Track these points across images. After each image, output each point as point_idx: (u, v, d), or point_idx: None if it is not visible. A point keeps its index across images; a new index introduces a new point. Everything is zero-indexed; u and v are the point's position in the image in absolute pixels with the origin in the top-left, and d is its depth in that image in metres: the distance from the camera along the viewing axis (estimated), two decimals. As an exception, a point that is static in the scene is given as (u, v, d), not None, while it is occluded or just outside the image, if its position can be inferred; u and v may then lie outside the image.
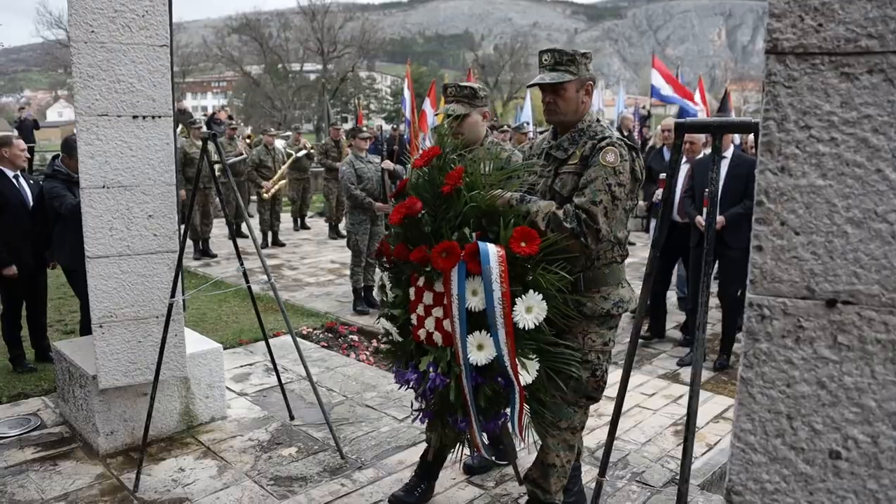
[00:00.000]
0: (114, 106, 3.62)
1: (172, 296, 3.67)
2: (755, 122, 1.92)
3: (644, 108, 18.17)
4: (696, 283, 5.53)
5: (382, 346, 2.94)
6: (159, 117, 3.75)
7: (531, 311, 2.39)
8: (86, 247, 3.61)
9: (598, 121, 2.83)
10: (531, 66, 66.53)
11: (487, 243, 2.40)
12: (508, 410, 2.54)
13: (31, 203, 5.37)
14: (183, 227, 4.02)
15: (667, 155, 7.02)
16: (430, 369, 2.51)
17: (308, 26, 51.24)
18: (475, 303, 2.40)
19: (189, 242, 9.44)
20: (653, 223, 7.21)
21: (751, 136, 9.75)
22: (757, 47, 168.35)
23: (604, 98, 20.52)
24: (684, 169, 5.91)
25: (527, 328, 2.38)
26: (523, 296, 2.40)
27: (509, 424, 2.58)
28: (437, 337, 2.54)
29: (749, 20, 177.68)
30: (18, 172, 5.40)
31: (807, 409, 1.16)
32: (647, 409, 4.57)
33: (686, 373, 5.26)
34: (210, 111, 25.61)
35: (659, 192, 6.07)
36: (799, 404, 1.16)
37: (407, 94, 11.17)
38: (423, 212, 2.57)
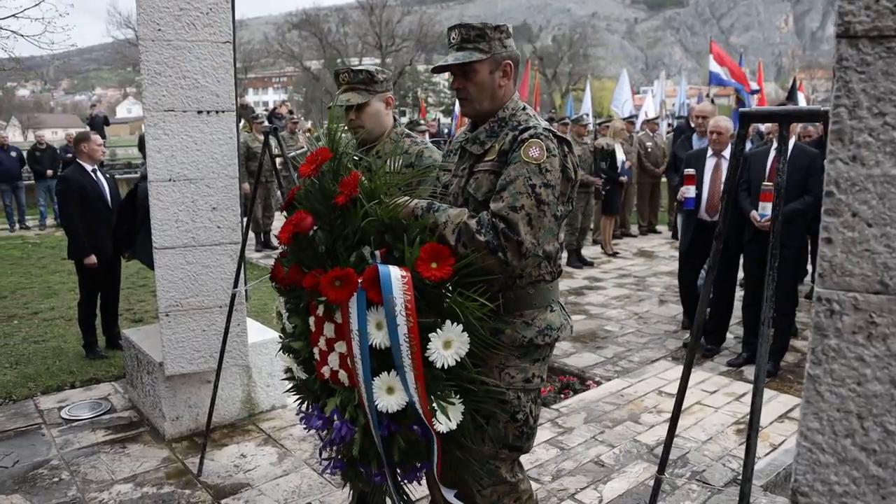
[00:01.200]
0: (179, 101, 3.73)
1: (235, 286, 3.76)
2: (824, 110, 1.85)
3: (708, 96, 17.72)
4: (754, 280, 5.29)
5: (285, 382, 2.44)
6: (223, 112, 3.83)
7: (450, 345, 1.96)
8: (153, 238, 3.73)
9: (524, 108, 2.32)
10: (590, 57, 65.72)
11: (389, 266, 1.97)
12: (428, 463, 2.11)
13: (109, 196, 5.61)
14: (245, 219, 4.11)
15: (696, 142, 6.75)
16: (335, 416, 2.06)
17: (366, 21, 51.70)
18: (380, 338, 1.96)
19: (251, 234, 9.65)
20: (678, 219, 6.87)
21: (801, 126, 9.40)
22: (827, 33, 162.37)
23: (665, 89, 20.10)
24: (710, 163, 5.58)
25: (446, 366, 1.96)
26: (439, 329, 1.97)
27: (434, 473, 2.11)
28: (343, 376, 2.05)
29: (818, 5, 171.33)
30: (96, 167, 5.64)
31: (879, 408, 1.11)
32: (708, 407, 4.47)
33: (749, 370, 5.13)
34: (271, 106, 26.10)
35: (685, 189, 5.59)
36: (871, 403, 1.11)
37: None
38: (315, 228, 2.11)
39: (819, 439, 1.15)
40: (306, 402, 2.29)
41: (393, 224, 2.06)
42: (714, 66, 13.56)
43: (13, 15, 10.51)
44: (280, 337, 2.40)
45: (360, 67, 2.84)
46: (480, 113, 2.31)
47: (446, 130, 13.47)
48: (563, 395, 4.81)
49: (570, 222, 8.93)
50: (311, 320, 2.13)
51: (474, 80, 2.24)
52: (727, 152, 5.52)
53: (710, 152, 5.61)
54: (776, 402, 4.51)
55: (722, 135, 5.50)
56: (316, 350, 2.13)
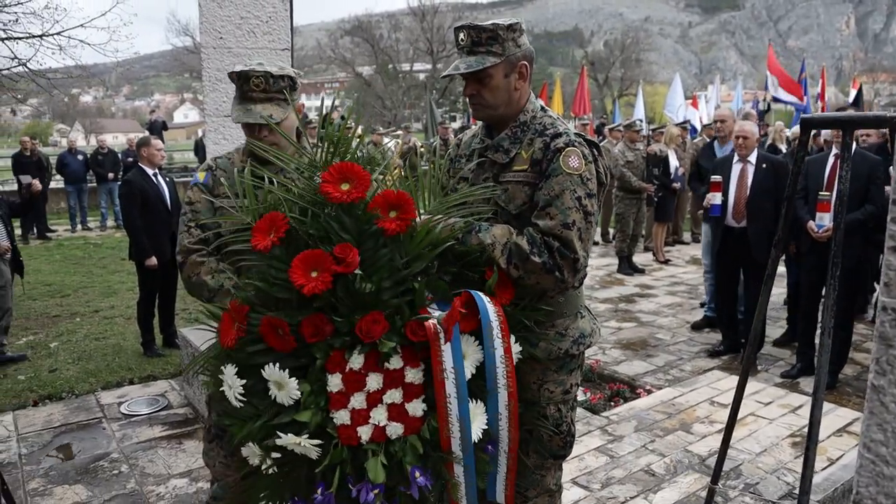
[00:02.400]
0: (238, 107, 3.82)
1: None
2: (890, 117, 1.80)
3: (764, 100, 17.33)
4: (810, 291, 5.16)
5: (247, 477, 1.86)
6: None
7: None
8: (211, 240, 3.84)
9: (542, 109, 2.23)
10: (643, 61, 64.92)
11: (478, 292, 1.85)
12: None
13: (168, 199, 5.79)
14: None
15: (718, 150, 6.57)
16: (417, 473, 1.72)
17: (418, 27, 52.07)
18: (470, 368, 1.82)
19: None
20: (703, 227, 6.69)
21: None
22: (891, 35, 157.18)
23: (720, 94, 19.73)
24: (736, 168, 5.44)
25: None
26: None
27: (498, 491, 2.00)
28: (395, 428, 1.74)
29: (882, 5, 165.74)
30: (156, 170, 5.83)
31: (946, 421, 1.08)
32: (762, 419, 4.38)
33: (804, 382, 5.00)
34: (323, 111, 26.43)
35: (711, 196, 5.46)
36: (937, 416, 1.09)
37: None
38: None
39: (883, 451, 1.12)
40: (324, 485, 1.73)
41: (462, 251, 1.91)
42: (770, 76, 13.29)
43: (81, 25, 10.93)
44: (223, 422, 1.80)
45: (279, 73, 2.38)
46: (497, 118, 2.19)
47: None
48: (613, 403, 4.77)
49: (621, 229, 8.85)
50: (334, 379, 1.72)
51: (489, 86, 2.11)
52: (753, 157, 5.43)
53: (735, 158, 5.51)
54: (834, 416, 4.39)
55: (748, 139, 5.41)
56: (344, 413, 1.72)
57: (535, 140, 2.11)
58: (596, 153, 2.11)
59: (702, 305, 7.01)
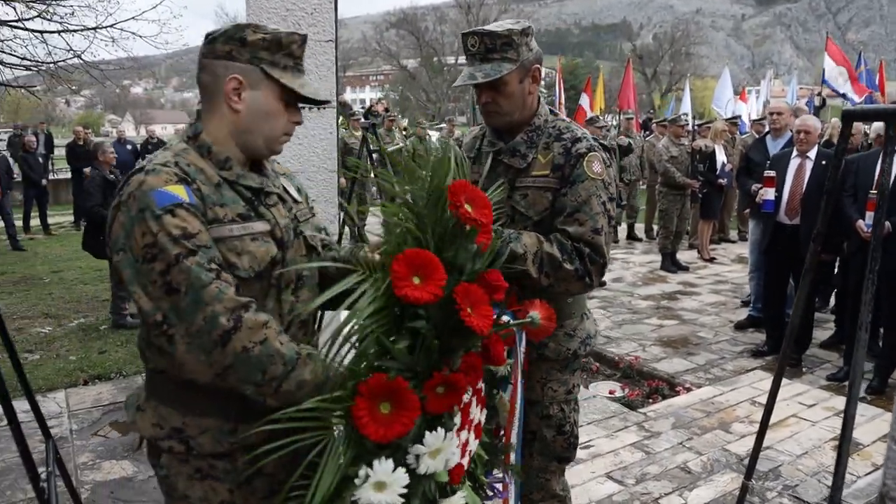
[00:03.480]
0: (284, 98, 3.89)
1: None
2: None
3: (819, 94, 16.87)
4: (858, 295, 4.99)
5: None
6: (324, 108, 3.98)
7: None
8: (255, 228, 3.91)
9: (552, 112, 2.21)
10: (693, 55, 63.82)
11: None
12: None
13: None
14: (342, 213, 4.26)
15: (770, 144, 6.40)
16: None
17: (463, 19, 52.07)
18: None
19: (345, 229, 9.93)
20: (751, 224, 6.54)
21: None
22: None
23: (771, 89, 19.29)
24: (794, 164, 5.32)
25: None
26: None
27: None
28: (475, 444, 1.56)
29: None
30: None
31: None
32: (804, 421, 4.30)
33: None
34: (368, 104, 26.67)
35: (764, 191, 5.38)
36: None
37: (557, 89, 11.11)
38: None
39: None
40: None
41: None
42: (829, 65, 12.90)
43: (133, 17, 11.20)
44: None
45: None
46: (512, 123, 2.13)
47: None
48: (651, 400, 4.73)
49: (665, 225, 8.74)
50: (457, 418, 1.44)
51: (505, 93, 2.06)
52: (812, 153, 5.31)
53: (794, 153, 5.39)
54: (881, 420, 4.29)
55: (810, 134, 5.28)
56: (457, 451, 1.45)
57: (553, 145, 2.10)
58: (610, 155, 2.12)
59: (744, 304, 6.90)
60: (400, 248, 1.36)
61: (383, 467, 1.29)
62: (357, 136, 10.13)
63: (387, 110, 15.70)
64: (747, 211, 7.45)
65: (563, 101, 10.27)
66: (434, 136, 13.22)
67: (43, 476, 2.31)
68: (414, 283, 1.32)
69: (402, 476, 1.30)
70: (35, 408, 2.39)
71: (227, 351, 1.42)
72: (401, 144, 11.68)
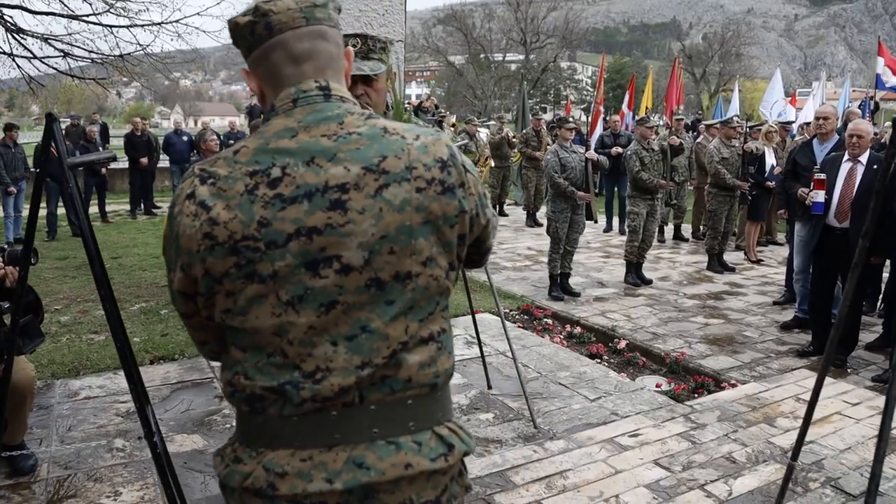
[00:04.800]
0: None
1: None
2: None
3: (872, 98, 16.57)
4: None
5: None
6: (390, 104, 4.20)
7: None
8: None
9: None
10: (743, 56, 62.69)
11: None
12: None
13: None
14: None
15: (817, 149, 6.39)
16: None
17: (512, 17, 52.08)
18: None
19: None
20: (796, 227, 6.52)
21: None
22: None
23: (825, 92, 18.96)
24: (845, 167, 5.35)
25: None
26: None
27: None
28: None
29: None
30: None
31: None
32: (848, 418, 4.38)
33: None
34: (414, 100, 26.91)
35: (814, 194, 5.44)
36: None
37: (597, 88, 11.14)
38: None
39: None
40: None
41: None
42: (880, 68, 12.71)
43: (197, 13, 11.60)
44: None
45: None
46: None
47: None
48: (696, 395, 4.86)
49: (713, 226, 8.79)
50: None
51: (376, 88, 2.45)
52: (864, 158, 5.35)
53: (845, 157, 5.44)
54: (925, 421, 4.35)
55: (862, 138, 5.32)
56: None
57: None
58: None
59: (776, 303, 7.05)
60: None
61: None
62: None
63: (436, 106, 15.93)
64: (782, 211, 7.49)
65: (600, 99, 10.22)
66: (483, 132, 13.38)
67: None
68: None
69: None
70: (138, 377, 2.60)
71: None
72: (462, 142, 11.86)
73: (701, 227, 10.95)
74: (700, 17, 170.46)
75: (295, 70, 1.32)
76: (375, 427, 1.31)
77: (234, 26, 1.34)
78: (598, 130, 10.12)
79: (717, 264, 8.86)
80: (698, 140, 11.21)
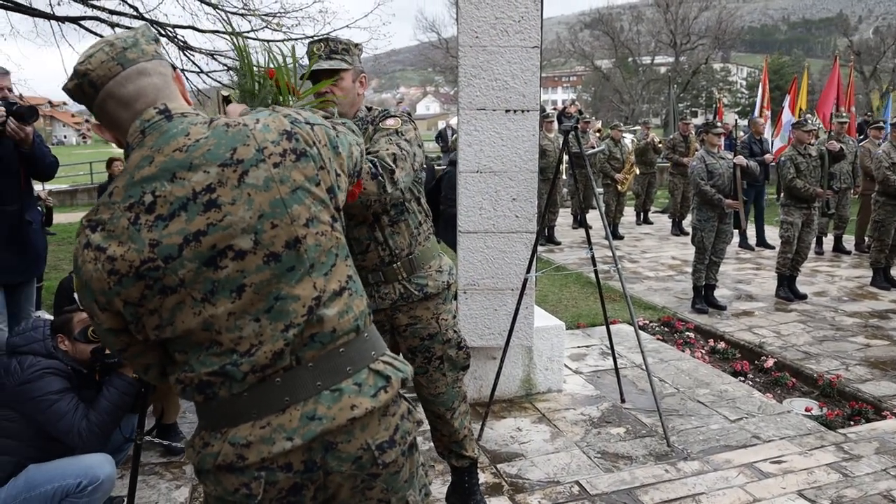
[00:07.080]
0: (490, 101, 4.15)
1: (528, 272, 4.09)
2: None
3: None
4: None
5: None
6: (527, 111, 4.19)
7: None
8: (458, 223, 4.21)
9: (368, 108, 2.78)
10: (921, 51, 57.09)
11: None
12: None
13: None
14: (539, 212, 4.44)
15: None
16: None
17: (661, 18, 50.39)
18: None
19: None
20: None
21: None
22: None
23: None
24: None
25: None
26: None
27: None
28: None
29: None
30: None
31: None
32: None
33: None
34: (559, 105, 26.70)
35: None
36: None
37: (760, 90, 10.51)
38: None
39: None
40: None
41: None
42: None
43: (346, 25, 12.14)
44: None
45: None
46: (342, 115, 2.61)
47: (742, 133, 11.49)
48: (851, 423, 4.48)
49: (879, 237, 8.07)
50: None
51: (340, 86, 2.62)
52: None
53: None
54: None
55: None
56: None
57: (369, 127, 2.68)
58: (411, 118, 2.77)
59: None
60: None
61: None
62: (549, 138, 10.28)
63: (580, 112, 15.71)
64: None
65: (767, 103, 9.60)
66: (629, 138, 13.04)
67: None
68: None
69: None
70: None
71: None
72: (598, 147, 11.62)
73: (866, 239, 10.06)
74: (871, 10, 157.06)
75: (129, 113, 1.47)
76: (318, 380, 1.46)
77: (68, 92, 1.50)
78: (786, 131, 9.42)
79: (884, 280, 8.12)
80: (862, 143, 10.32)
